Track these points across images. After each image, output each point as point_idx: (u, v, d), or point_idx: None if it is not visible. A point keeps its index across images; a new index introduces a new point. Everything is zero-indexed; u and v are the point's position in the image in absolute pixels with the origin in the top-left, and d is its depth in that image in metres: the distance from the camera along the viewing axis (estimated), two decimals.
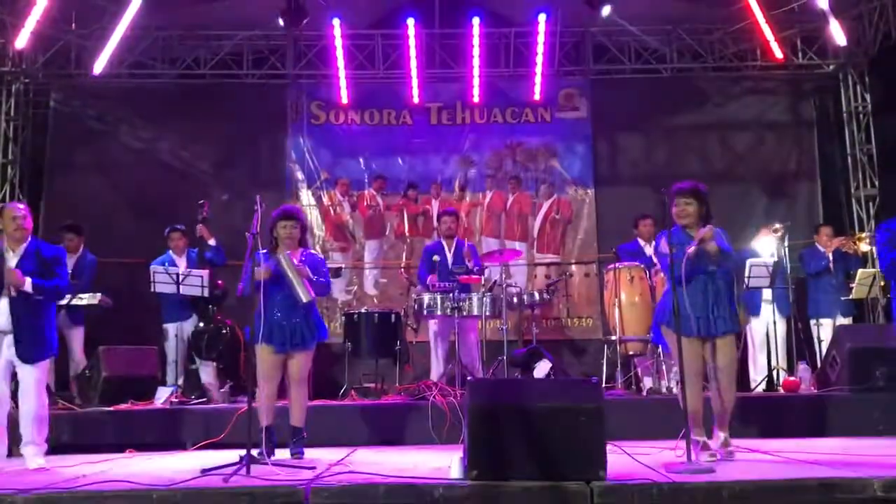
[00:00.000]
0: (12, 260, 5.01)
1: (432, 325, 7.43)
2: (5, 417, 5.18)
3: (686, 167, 9.69)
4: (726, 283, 4.76)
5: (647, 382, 6.97)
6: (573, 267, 9.53)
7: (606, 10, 8.36)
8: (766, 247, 7.58)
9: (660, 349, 6.73)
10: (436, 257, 7.31)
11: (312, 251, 5.59)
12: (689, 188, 4.83)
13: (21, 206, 5.24)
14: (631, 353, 6.99)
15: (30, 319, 5.02)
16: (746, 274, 7.57)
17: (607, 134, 9.89)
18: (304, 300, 5.00)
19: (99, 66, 8.93)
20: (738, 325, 4.83)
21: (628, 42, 9.74)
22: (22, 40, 8.39)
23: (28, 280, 4.94)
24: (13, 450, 5.29)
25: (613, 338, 6.99)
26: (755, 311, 7.78)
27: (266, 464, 4.48)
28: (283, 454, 5.06)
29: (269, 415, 5.12)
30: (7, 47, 8.83)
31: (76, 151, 9.53)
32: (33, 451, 5.08)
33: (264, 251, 4.95)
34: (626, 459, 4.32)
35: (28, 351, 5.00)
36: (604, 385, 7.14)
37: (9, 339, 5.00)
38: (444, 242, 7.49)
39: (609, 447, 3.92)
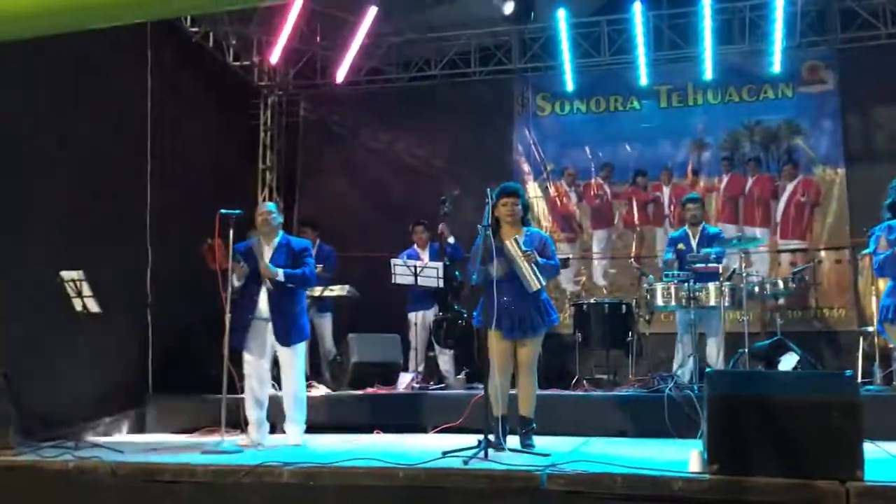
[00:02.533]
0: (267, 253, 5.63)
1: (678, 314, 7.18)
2: (266, 396, 5.75)
3: None
4: None
5: None
6: (822, 253, 8.80)
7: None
8: None
9: None
10: (681, 245, 7.10)
11: (535, 229, 5.43)
12: None
13: (269, 204, 5.91)
14: (891, 345, 6.36)
15: (284, 307, 5.59)
16: None
17: (859, 107, 9.00)
18: (534, 288, 4.91)
19: (341, 75, 9.62)
20: None
21: (881, 4, 8.80)
22: (275, 56, 9.23)
23: (280, 271, 5.52)
24: (276, 427, 5.88)
25: (871, 329, 6.40)
26: None
27: (503, 450, 4.61)
28: (514, 442, 5.00)
29: (502, 404, 4.95)
30: (263, 63, 9.77)
31: (324, 155, 10.33)
32: (294, 429, 5.63)
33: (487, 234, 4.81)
34: (885, 460, 3.96)
35: (286, 335, 5.58)
36: (860, 380, 6.57)
37: (270, 325, 5.59)
38: (688, 230, 7.24)
39: (867, 446, 3.61)
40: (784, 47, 8.85)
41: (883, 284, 6.31)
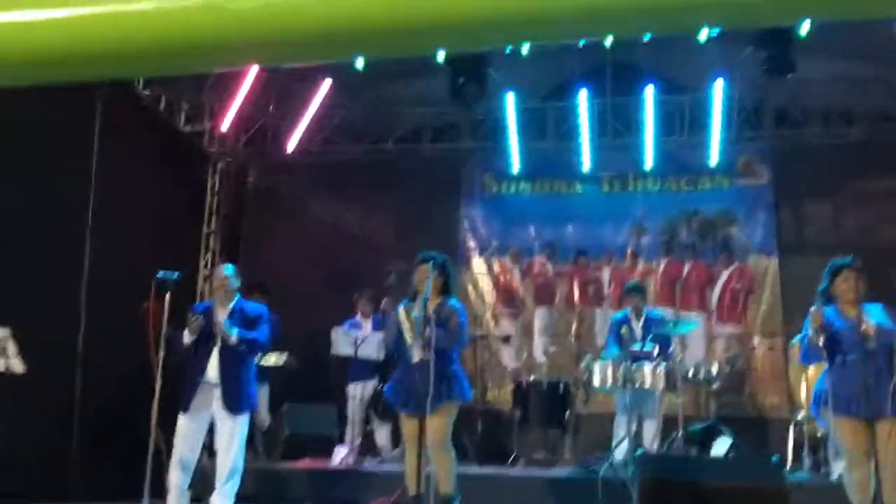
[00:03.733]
0: (221, 315, 5.52)
1: (616, 395, 7.22)
2: (194, 463, 5.49)
3: (881, 236, 9.04)
4: (887, 361, 4.41)
5: (838, 467, 6.42)
6: (756, 340, 9.04)
7: None
8: None
9: None
10: (624, 329, 7.19)
11: (453, 299, 5.17)
12: (857, 262, 4.57)
13: (227, 267, 5.83)
14: (820, 433, 6.50)
15: (236, 371, 5.45)
16: None
17: (792, 201, 9.42)
18: (415, 359, 4.69)
19: (292, 145, 9.70)
20: None
21: (813, 105, 9.31)
22: (226, 124, 9.28)
23: (234, 331, 5.41)
24: (200, 498, 5.63)
25: (800, 416, 6.54)
26: None
27: None
28: None
29: (415, 483, 4.72)
30: (214, 130, 9.79)
31: (270, 223, 10.30)
32: (224, 502, 5.39)
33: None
34: None
35: (236, 402, 5.41)
36: (789, 467, 6.68)
37: (216, 391, 5.41)
38: (630, 314, 7.34)
39: None
40: (721, 140, 9.24)
41: (813, 371, 6.51)
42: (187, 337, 5.38)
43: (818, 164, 9.23)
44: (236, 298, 5.68)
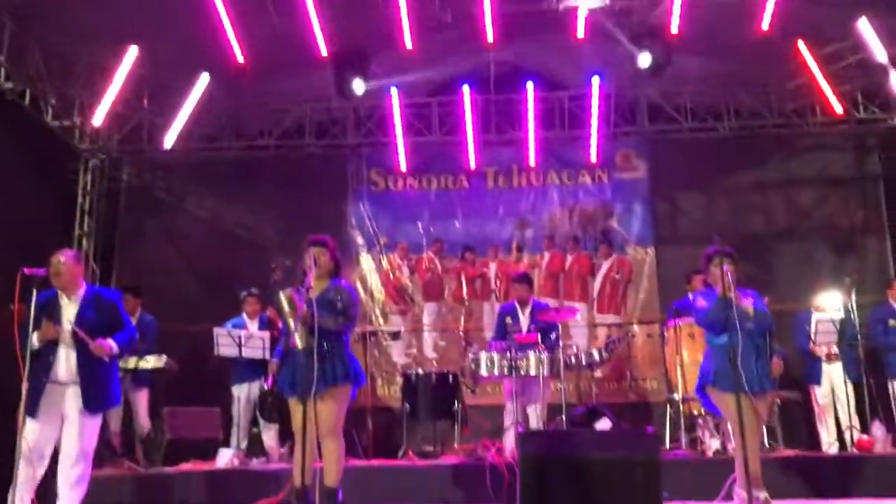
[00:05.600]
0: (70, 307, 5.03)
1: (504, 384, 7.31)
2: (41, 474, 4.92)
3: (749, 225, 9.60)
4: (763, 340, 4.70)
5: (714, 443, 6.74)
6: (635, 327, 9.38)
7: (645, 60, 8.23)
8: (833, 302, 7.36)
9: None
10: (509, 319, 7.28)
11: (342, 281, 5.03)
12: (732, 251, 4.83)
13: (67, 252, 5.19)
14: (695, 412, 6.80)
15: (96, 368, 5.00)
16: (812, 331, 7.37)
17: (666, 193, 9.85)
18: (300, 346, 4.55)
19: (169, 142, 9.34)
20: (772, 383, 4.77)
21: (684, 102, 9.74)
22: (99, 118, 8.83)
23: (114, 344, 4.99)
24: None
25: (677, 397, 6.82)
26: (816, 380, 7.54)
27: None
28: None
29: (302, 474, 4.59)
30: (85, 125, 9.34)
31: (146, 222, 9.94)
32: None
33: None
34: None
35: (94, 400, 4.95)
36: (668, 446, 6.95)
37: (71, 390, 4.95)
38: (517, 305, 7.45)
39: None
40: (600, 136, 9.53)
41: (688, 354, 6.81)
42: (36, 342, 4.86)
43: (691, 158, 9.68)
44: (84, 286, 5.17)
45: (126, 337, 5.15)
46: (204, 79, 8.97)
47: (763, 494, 4.63)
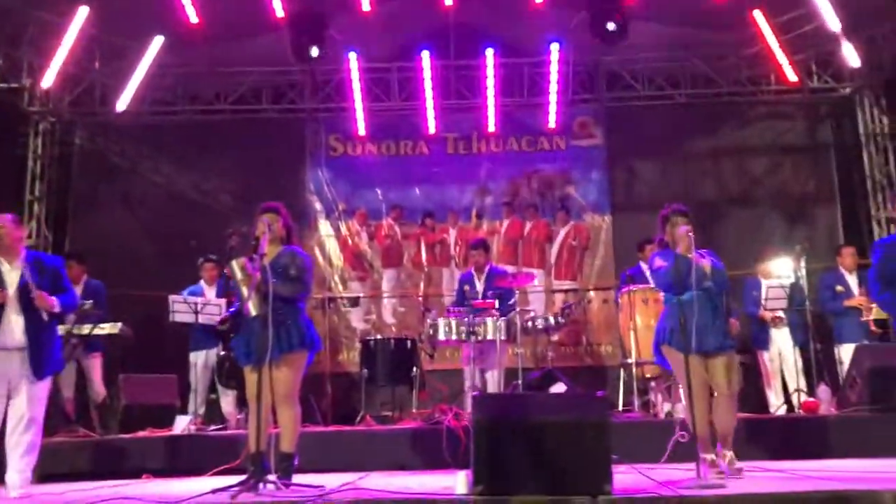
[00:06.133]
0: (12, 273, 4.93)
1: (464, 349, 7.39)
2: None
3: (702, 192, 9.74)
4: (721, 299, 4.78)
5: (666, 406, 6.91)
6: (591, 293, 9.52)
7: None
8: (783, 268, 7.54)
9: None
10: (466, 287, 7.34)
11: (294, 247, 4.95)
12: (687, 209, 4.88)
13: (7, 216, 5.05)
14: (648, 376, 6.94)
15: (43, 335, 4.94)
16: (763, 296, 7.55)
17: (623, 160, 9.94)
18: (253, 313, 4.51)
19: (122, 105, 9.17)
20: (733, 341, 4.82)
21: (641, 69, 9.81)
22: (48, 80, 8.62)
23: (56, 301, 4.92)
24: None
25: (630, 361, 6.95)
26: (764, 345, 7.73)
27: (275, 484, 4.44)
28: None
29: (256, 439, 4.51)
30: (34, 87, 9.10)
31: (100, 187, 9.75)
32: (24, 478, 4.86)
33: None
34: (635, 477, 4.29)
35: (40, 366, 4.90)
36: (621, 409, 7.11)
37: (17, 356, 4.87)
38: (474, 272, 7.52)
39: (622, 467, 3.89)
40: (558, 103, 9.56)
41: (641, 320, 6.93)
42: None
43: (647, 126, 9.77)
44: (24, 252, 5.02)
45: (68, 299, 5.07)
46: (157, 41, 8.79)
47: (729, 454, 4.77)
